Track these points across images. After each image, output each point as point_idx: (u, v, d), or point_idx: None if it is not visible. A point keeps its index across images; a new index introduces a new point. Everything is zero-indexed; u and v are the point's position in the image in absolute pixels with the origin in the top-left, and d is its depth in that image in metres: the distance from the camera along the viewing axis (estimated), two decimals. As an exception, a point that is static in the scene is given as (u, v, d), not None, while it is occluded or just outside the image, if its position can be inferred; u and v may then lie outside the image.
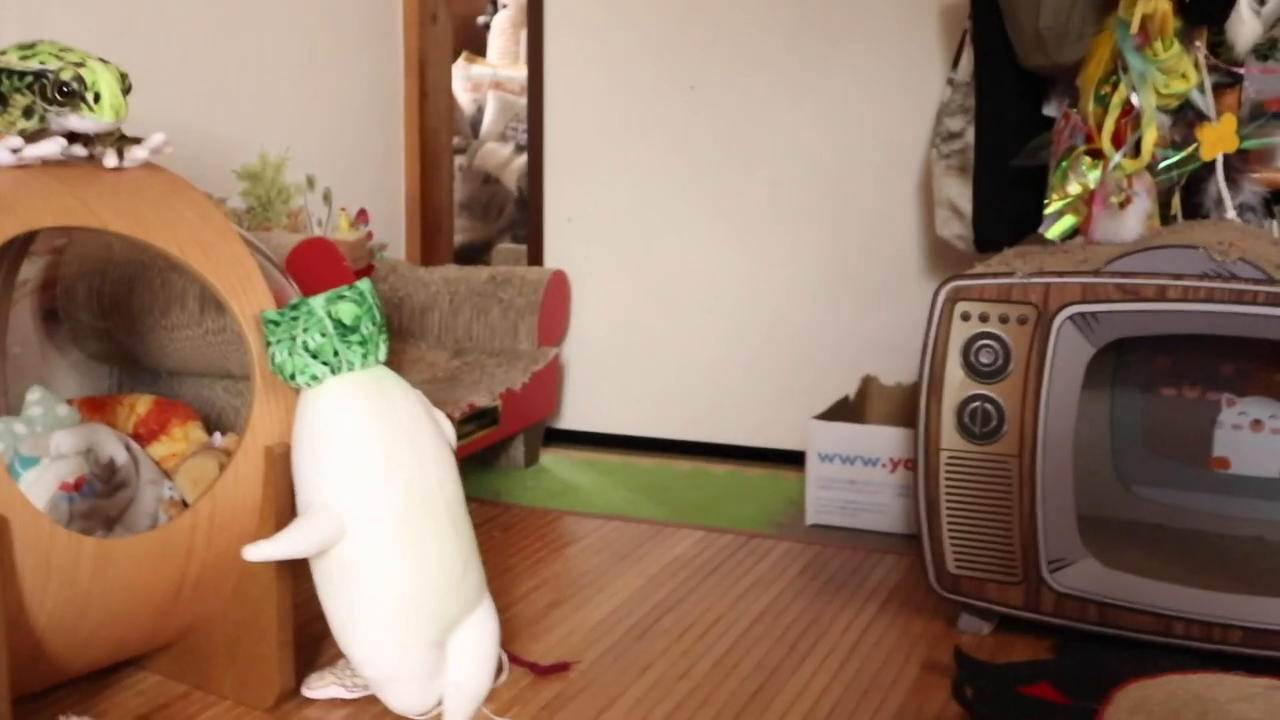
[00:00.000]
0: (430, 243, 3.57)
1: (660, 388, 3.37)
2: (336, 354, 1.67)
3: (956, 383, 2.01)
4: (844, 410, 2.87)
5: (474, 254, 4.74)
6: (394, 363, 3.08)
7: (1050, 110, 2.47)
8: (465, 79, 5.23)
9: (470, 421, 2.79)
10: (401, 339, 3.24)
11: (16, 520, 1.46)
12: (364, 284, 1.71)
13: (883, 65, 3.04)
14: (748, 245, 3.23)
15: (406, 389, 1.76)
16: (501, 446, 3.16)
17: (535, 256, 3.47)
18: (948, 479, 2.03)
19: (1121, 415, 2.30)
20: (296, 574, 1.77)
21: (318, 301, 1.67)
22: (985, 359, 1.99)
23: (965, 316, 2.00)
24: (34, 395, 2.10)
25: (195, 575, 1.70)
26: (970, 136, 2.55)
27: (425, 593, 1.70)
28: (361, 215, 3.31)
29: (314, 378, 1.67)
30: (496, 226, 4.96)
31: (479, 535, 2.57)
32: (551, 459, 3.27)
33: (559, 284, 3.25)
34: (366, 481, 1.66)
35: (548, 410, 3.21)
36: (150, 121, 2.56)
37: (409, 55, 3.44)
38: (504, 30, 5.42)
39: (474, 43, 5.47)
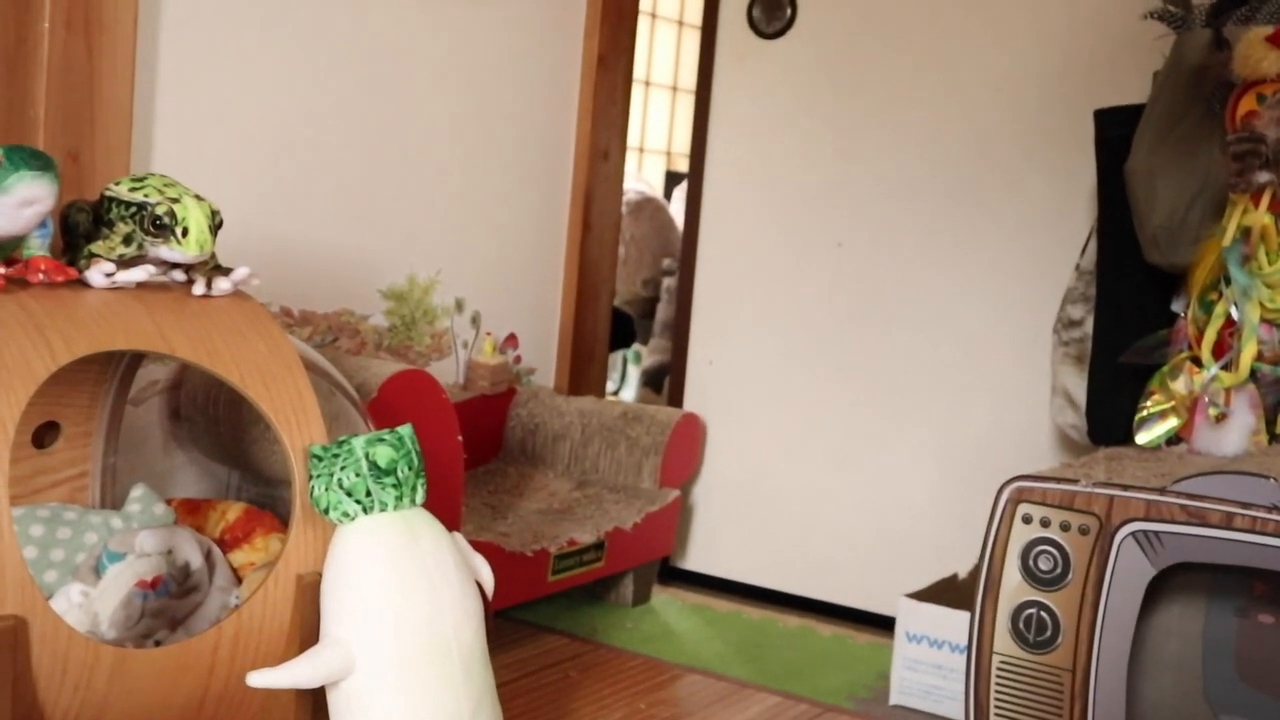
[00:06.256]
0: (580, 372, 3.65)
1: (783, 539, 3.34)
2: (369, 494, 1.74)
3: (1013, 586, 1.94)
4: (949, 589, 2.78)
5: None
6: (519, 487, 3.18)
7: (1178, 307, 2.38)
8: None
9: (570, 557, 2.83)
10: (531, 464, 3.32)
11: (36, 623, 1.56)
12: (405, 429, 1.78)
13: (1032, 241, 2.99)
14: (881, 407, 3.19)
15: (439, 533, 1.81)
16: (611, 582, 3.17)
17: (675, 396, 3.51)
18: (998, 685, 1.95)
19: (1214, 637, 2.16)
20: (319, 702, 1.82)
21: (358, 442, 1.74)
22: (1044, 565, 1.92)
23: (1027, 519, 1.94)
24: (136, 493, 2.24)
25: (219, 690, 1.77)
26: (1090, 326, 2.47)
27: (427, 737, 1.73)
28: (510, 340, 3.41)
29: (346, 514, 1.74)
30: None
31: (556, 673, 2.63)
32: (664, 599, 3.27)
33: (688, 426, 3.27)
34: (377, 621, 1.71)
35: (662, 551, 3.22)
36: (300, 239, 2.75)
37: (576, 189, 3.55)
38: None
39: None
